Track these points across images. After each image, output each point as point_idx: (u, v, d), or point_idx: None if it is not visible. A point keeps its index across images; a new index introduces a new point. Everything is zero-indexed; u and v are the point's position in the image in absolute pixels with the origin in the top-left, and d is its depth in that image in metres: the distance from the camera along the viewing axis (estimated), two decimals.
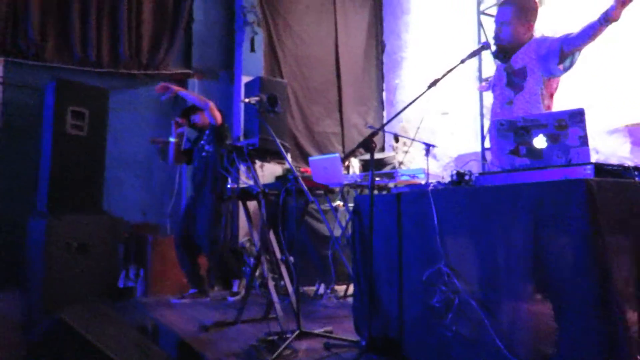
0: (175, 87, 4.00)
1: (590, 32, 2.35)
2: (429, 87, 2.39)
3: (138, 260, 4.39)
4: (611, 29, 3.42)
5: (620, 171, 1.84)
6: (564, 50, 2.45)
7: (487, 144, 4.65)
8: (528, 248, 1.78)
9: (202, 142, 4.20)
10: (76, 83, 4.28)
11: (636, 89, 3.71)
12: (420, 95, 2.42)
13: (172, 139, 4.24)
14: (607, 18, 2.26)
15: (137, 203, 5.06)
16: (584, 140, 1.89)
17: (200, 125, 4.27)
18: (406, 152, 6.07)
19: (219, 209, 4.03)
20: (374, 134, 2.34)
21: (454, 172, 2.23)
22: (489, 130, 2.87)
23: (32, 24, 4.58)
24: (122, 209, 4.80)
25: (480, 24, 4.94)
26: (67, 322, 2.30)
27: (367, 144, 2.33)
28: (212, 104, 4.09)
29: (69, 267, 3.79)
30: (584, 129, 1.88)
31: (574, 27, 2.48)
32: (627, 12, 2.80)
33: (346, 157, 2.79)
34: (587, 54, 3.95)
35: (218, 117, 4.08)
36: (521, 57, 2.61)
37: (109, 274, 4.05)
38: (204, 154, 4.14)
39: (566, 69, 2.54)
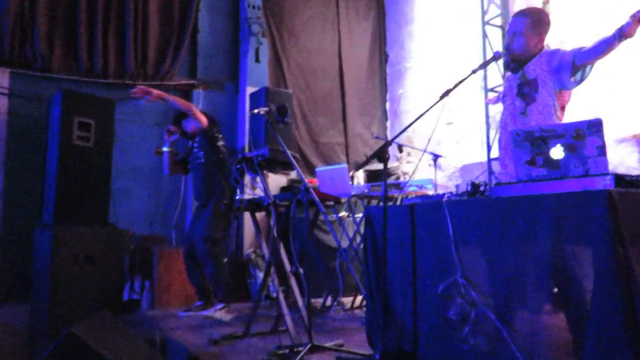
0: (155, 92, 3.76)
1: (604, 47, 2.34)
2: (442, 97, 2.37)
3: (144, 272, 4.34)
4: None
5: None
6: (576, 64, 2.45)
7: (494, 154, 4.64)
8: (548, 259, 1.76)
9: (194, 149, 4.05)
10: (82, 94, 4.27)
11: None
12: (433, 106, 2.40)
13: (165, 149, 4.13)
14: (622, 34, 2.24)
15: (144, 214, 5.02)
16: (602, 150, 1.86)
17: (191, 133, 4.11)
18: (410, 162, 6.06)
19: (223, 214, 3.85)
20: (387, 144, 2.33)
21: (469, 183, 2.21)
22: (499, 141, 2.85)
23: (39, 35, 4.58)
24: (129, 220, 4.77)
25: (485, 35, 4.94)
26: (78, 336, 2.26)
27: (381, 155, 2.31)
28: (195, 107, 3.94)
29: (75, 279, 3.75)
30: (602, 138, 1.86)
31: (582, 39, 2.48)
32: None
33: (359, 167, 2.76)
34: (595, 65, 3.96)
35: (203, 120, 3.90)
36: (532, 68, 2.60)
37: (114, 286, 4.00)
38: (197, 161, 3.99)
39: (577, 82, 2.53)
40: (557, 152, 1.95)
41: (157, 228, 5.02)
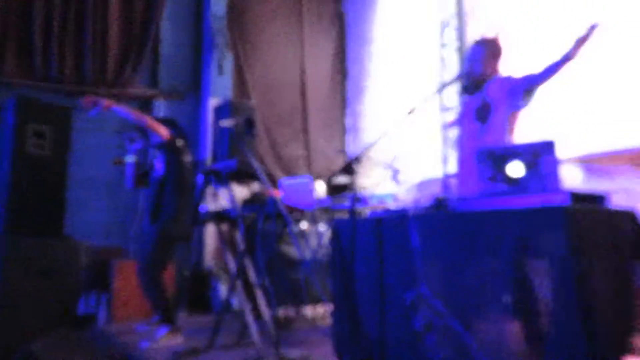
0: (106, 102, 3.42)
1: (552, 71, 2.56)
2: (408, 114, 2.46)
3: (100, 285, 4.17)
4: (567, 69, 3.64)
5: (591, 198, 1.96)
6: (528, 89, 2.64)
7: (450, 170, 4.80)
8: (509, 271, 1.85)
9: (154, 161, 3.65)
10: (37, 100, 4.10)
11: (588, 121, 3.96)
12: (398, 123, 2.49)
13: (128, 158, 3.71)
14: (568, 57, 2.46)
15: (101, 226, 4.85)
16: (556, 169, 2.00)
17: (158, 144, 3.59)
18: (368, 177, 6.17)
19: (171, 236, 3.44)
20: (355, 160, 2.39)
21: (433, 198, 2.30)
22: (458, 159, 2.98)
23: None
24: (85, 232, 4.58)
25: (442, 57, 5.14)
26: (34, 353, 2.16)
27: (350, 170, 2.36)
28: (149, 119, 3.48)
29: (27, 292, 3.56)
30: (556, 158, 1.99)
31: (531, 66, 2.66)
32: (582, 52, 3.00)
33: (329, 180, 2.80)
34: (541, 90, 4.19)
35: (162, 132, 3.44)
36: (488, 92, 2.75)
37: (69, 300, 3.83)
38: (154, 174, 3.61)
39: (526, 104, 2.71)
40: (516, 170, 2.07)
41: (115, 240, 4.85)
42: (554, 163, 2.00)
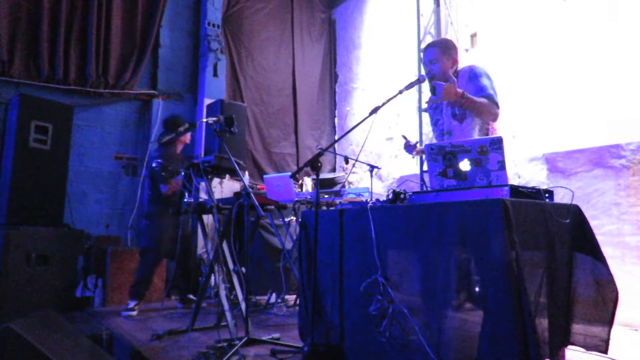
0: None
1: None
2: (371, 113, 2.41)
3: (97, 271, 4.16)
4: (536, 67, 3.55)
5: (533, 193, 1.91)
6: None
7: (426, 167, 4.75)
8: (454, 260, 1.80)
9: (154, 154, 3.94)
10: (40, 98, 4.08)
11: (552, 121, 3.90)
12: (363, 120, 2.44)
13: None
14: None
15: (101, 216, 4.82)
16: (502, 165, 1.94)
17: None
18: (355, 173, 6.12)
19: (165, 222, 3.78)
20: (319, 155, 2.34)
21: (390, 191, 2.25)
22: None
23: (0, 42, 4.35)
24: (86, 222, 4.58)
25: (420, 60, 5.08)
26: (16, 331, 2.13)
27: (314, 164, 2.31)
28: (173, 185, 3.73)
29: (26, 277, 3.56)
30: (502, 155, 1.93)
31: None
32: (548, 53, 2.88)
33: (294, 174, 2.75)
34: (512, 89, 4.12)
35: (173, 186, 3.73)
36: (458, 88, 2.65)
37: (66, 284, 3.82)
38: (153, 164, 3.84)
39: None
40: (464, 166, 2.02)
41: (113, 230, 4.83)
42: (501, 159, 1.95)
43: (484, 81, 2.60)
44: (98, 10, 4.82)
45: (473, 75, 2.63)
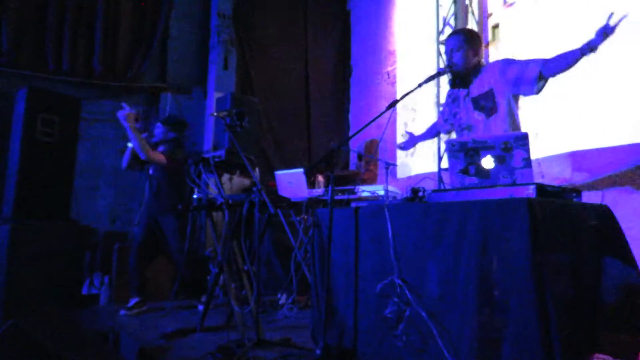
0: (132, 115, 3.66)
1: (571, 61, 2.27)
2: (388, 108, 2.39)
3: (104, 268, 4.19)
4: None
5: (560, 192, 1.87)
6: (544, 75, 2.37)
7: (444, 165, 4.71)
8: (476, 261, 1.77)
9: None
10: (47, 91, 4.12)
11: (577, 118, 3.84)
12: (379, 115, 2.42)
13: (130, 145, 3.89)
14: (591, 49, 2.20)
15: (108, 212, 4.87)
16: (527, 162, 1.90)
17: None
18: (369, 170, 6.09)
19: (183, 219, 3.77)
20: (333, 151, 2.33)
21: (409, 189, 2.23)
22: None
23: (7, 34, 4.41)
24: (93, 217, 4.63)
25: (439, 53, 5.03)
26: (22, 327, 2.16)
27: (329, 160, 2.30)
28: (150, 153, 3.68)
29: (32, 273, 3.60)
30: (527, 151, 1.90)
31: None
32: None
33: (310, 169, 2.74)
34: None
35: (160, 158, 3.75)
36: (485, 81, 2.57)
37: (73, 281, 3.86)
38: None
39: (539, 92, 2.44)
40: (487, 163, 1.98)
41: (121, 225, 4.88)
42: (526, 156, 1.91)
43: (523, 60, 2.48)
44: (106, 1, 4.86)
45: (507, 62, 2.52)
